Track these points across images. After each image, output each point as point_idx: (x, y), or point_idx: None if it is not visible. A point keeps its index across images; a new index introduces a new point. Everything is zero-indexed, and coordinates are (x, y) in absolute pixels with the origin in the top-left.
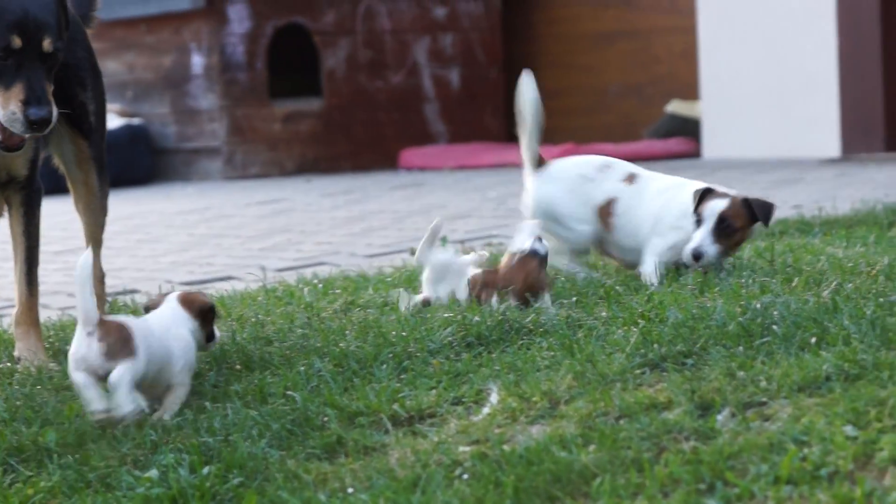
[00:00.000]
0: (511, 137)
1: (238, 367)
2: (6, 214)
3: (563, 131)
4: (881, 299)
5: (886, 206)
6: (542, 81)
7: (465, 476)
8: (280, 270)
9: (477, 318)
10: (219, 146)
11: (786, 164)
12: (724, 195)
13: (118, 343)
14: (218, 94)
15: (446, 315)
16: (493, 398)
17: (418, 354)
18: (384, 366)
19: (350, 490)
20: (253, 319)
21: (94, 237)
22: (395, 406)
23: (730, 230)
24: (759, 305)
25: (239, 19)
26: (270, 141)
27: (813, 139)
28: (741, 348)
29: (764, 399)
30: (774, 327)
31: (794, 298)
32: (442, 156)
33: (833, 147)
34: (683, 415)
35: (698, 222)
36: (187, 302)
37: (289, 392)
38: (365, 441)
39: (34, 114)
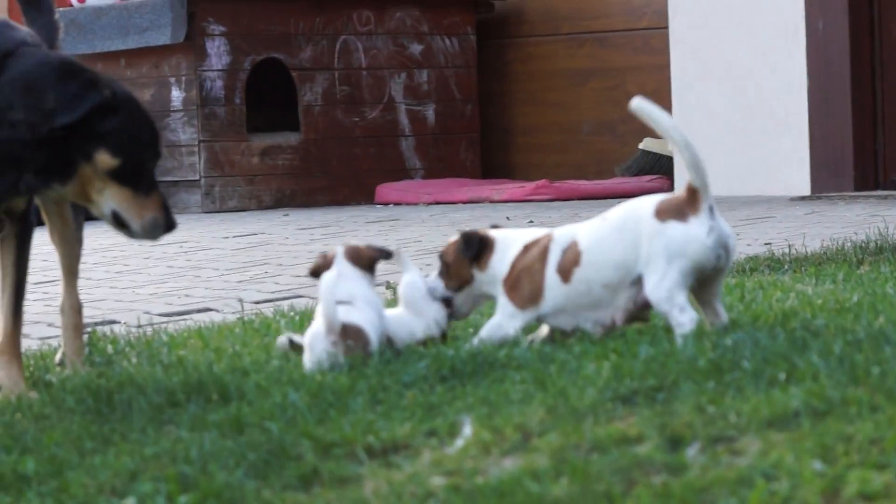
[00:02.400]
0: (485, 173)
1: (215, 397)
2: None
3: (537, 168)
4: (849, 336)
5: (856, 244)
6: (515, 118)
7: None
8: (258, 303)
9: (451, 352)
10: (197, 179)
11: (757, 201)
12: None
13: (359, 349)
14: (197, 128)
15: (421, 349)
16: (467, 430)
17: (393, 387)
18: (359, 398)
19: None
20: (230, 351)
21: (70, 269)
22: (370, 437)
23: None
24: (728, 342)
25: (217, 54)
26: (248, 175)
27: (783, 177)
28: (711, 383)
29: (733, 434)
30: (744, 363)
31: (764, 335)
32: (417, 190)
33: (803, 185)
34: (654, 449)
35: None
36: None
37: (265, 423)
38: (340, 472)
39: (174, 221)
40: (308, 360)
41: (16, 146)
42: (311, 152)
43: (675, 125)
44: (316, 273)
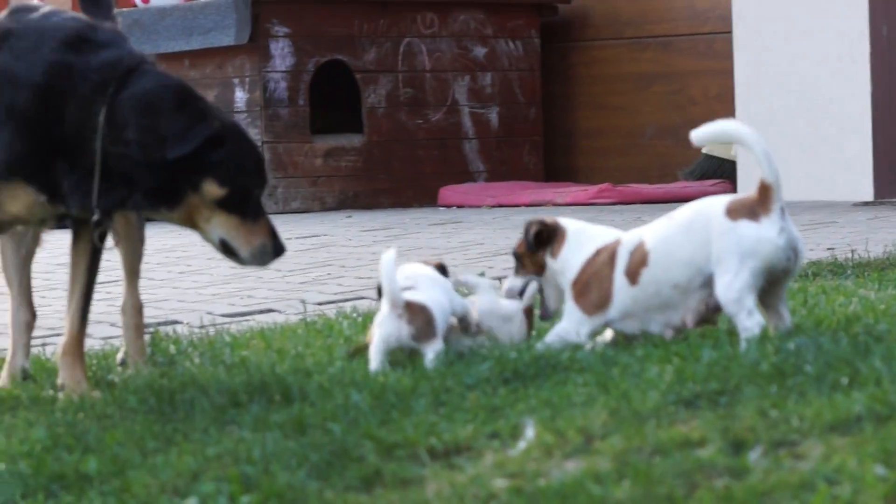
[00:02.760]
0: (548, 176)
1: (277, 398)
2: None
3: (599, 171)
4: None
5: None
6: (578, 122)
7: None
8: (320, 304)
9: (514, 355)
10: None
11: (819, 206)
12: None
13: (424, 325)
14: (260, 129)
15: (483, 351)
16: (529, 433)
17: (456, 389)
18: (422, 399)
19: None
20: (293, 352)
21: (132, 268)
22: (433, 439)
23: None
24: (791, 346)
25: (281, 56)
26: (312, 176)
27: (846, 182)
28: (774, 388)
29: (796, 438)
30: (807, 367)
31: (827, 339)
32: (480, 193)
33: (866, 191)
34: (716, 452)
35: None
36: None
37: (327, 423)
38: (402, 473)
39: (283, 246)
40: (376, 341)
41: (127, 164)
42: (375, 154)
43: (749, 132)
44: None
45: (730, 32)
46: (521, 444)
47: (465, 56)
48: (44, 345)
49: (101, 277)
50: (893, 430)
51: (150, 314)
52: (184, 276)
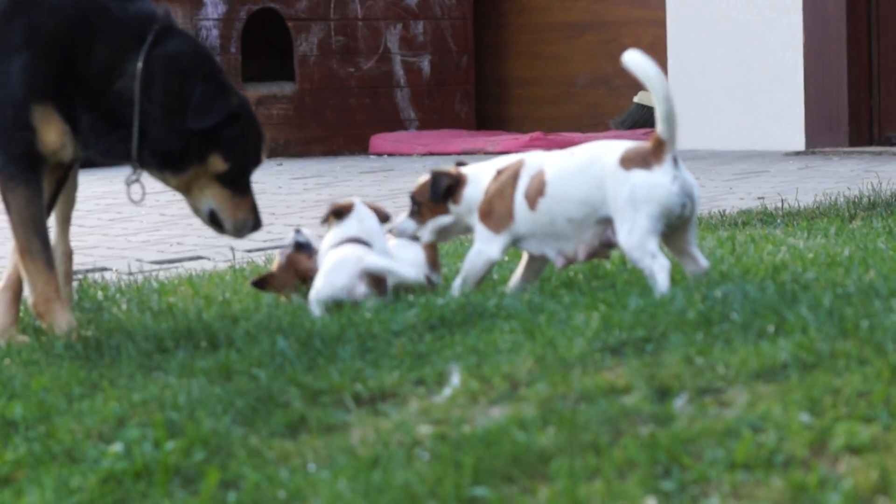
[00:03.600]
0: (480, 125)
1: (204, 344)
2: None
3: (531, 120)
4: (839, 290)
5: (848, 199)
6: (510, 71)
7: (426, 455)
8: (249, 251)
9: (440, 301)
10: None
11: (751, 156)
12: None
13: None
14: None
15: (410, 297)
16: (455, 380)
17: (382, 335)
18: (348, 346)
19: (311, 467)
20: (220, 298)
21: (66, 215)
22: (358, 385)
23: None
24: (718, 294)
25: (213, 3)
26: None
27: (778, 132)
28: (700, 335)
29: (721, 385)
30: (733, 315)
31: (754, 288)
32: (412, 142)
33: (798, 140)
34: (641, 399)
35: None
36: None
37: (253, 370)
38: (327, 419)
39: (261, 221)
40: (325, 289)
41: (146, 118)
42: (306, 102)
43: (661, 76)
44: (338, 214)
45: None
46: (447, 391)
47: (398, 4)
48: None
49: None
50: (819, 378)
51: (79, 261)
52: (113, 224)
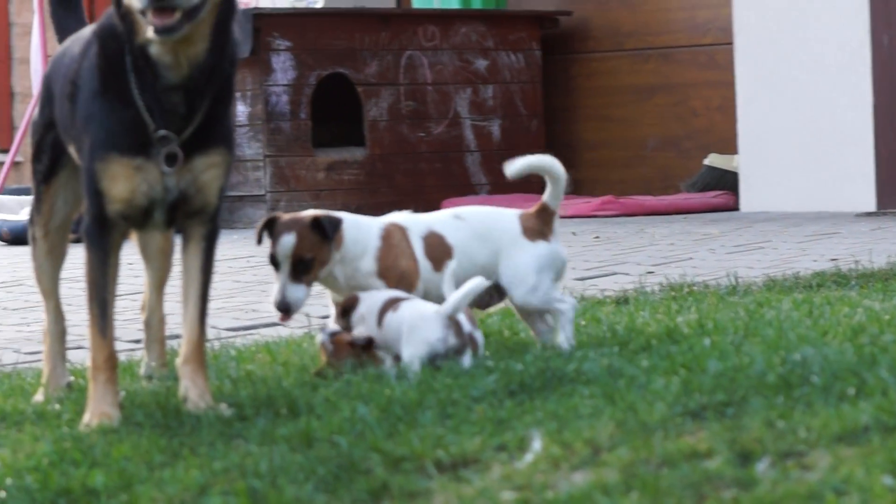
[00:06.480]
0: None
1: (284, 411)
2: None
3: (602, 183)
4: None
5: None
6: (580, 134)
7: None
8: (324, 318)
9: (520, 367)
10: (263, 194)
11: (822, 217)
12: (289, 224)
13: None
14: (262, 143)
15: (489, 363)
16: (536, 445)
17: (462, 401)
18: (428, 412)
19: None
20: (298, 365)
21: (162, 281)
22: (440, 452)
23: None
24: (797, 357)
25: (283, 69)
26: (314, 189)
27: (849, 193)
28: (780, 398)
29: (803, 448)
30: (813, 378)
31: (832, 350)
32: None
33: (869, 201)
34: (724, 464)
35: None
36: None
37: (334, 437)
38: (410, 486)
39: None
40: (422, 345)
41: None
42: (377, 167)
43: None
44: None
45: (731, 44)
46: (529, 457)
47: (467, 69)
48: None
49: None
50: None
51: None
52: None
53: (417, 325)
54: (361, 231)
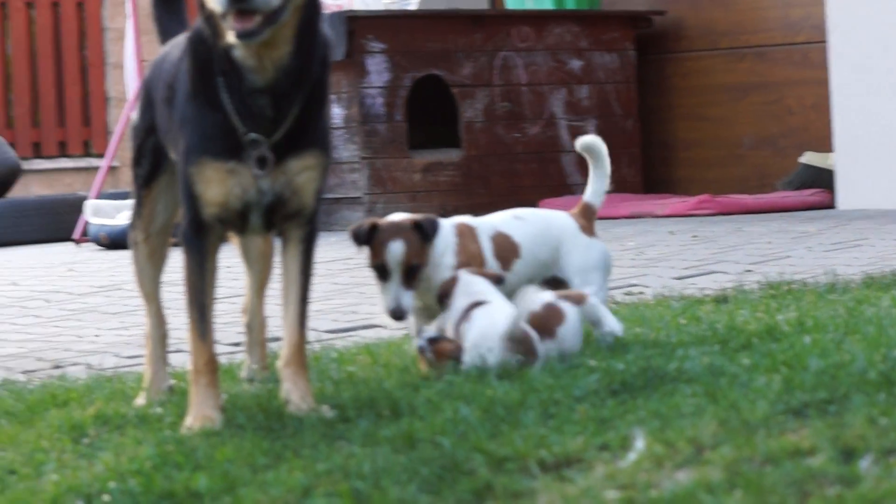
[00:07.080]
0: (647, 188)
1: (386, 412)
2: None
3: (698, 182)
4: None
5: None
6: (676, 133)
7: None
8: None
9: (621, 366)
10: (359, 196)
11: None
12: (394, 230)
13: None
14: (358, 145)
15: (590, 363)
16: (639, 444)
17: (564, 401)
18: (530, 412)
19: None
20: (399, 366)
21: (263, 284)
22: (543, 451)
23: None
24: None
25: (378, 71)
26: (411, 191)
27: None
28: (882, 395)
29: None
30: None
31: None
32: None
33: None
34: (827, 461)
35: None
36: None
37: (437, 437)
38: (513, 486)
39: None
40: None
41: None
42: (473, 168)
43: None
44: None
45: (824, 42)
46: (632, 456)
47: (561, 69)
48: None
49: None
50: None
51: None
52: None
53: (478, 343)
54: (441, 229)
